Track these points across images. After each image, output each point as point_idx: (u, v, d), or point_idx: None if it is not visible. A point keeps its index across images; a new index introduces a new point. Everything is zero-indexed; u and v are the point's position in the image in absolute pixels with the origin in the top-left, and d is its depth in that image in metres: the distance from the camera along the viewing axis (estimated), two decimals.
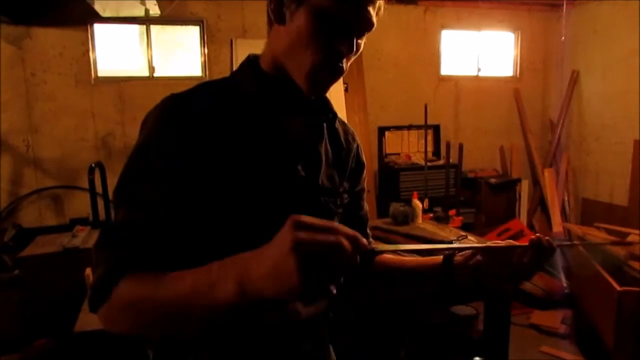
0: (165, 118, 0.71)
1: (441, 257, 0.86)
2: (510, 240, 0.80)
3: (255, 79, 0.78)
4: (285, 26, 0.73)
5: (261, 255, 0.54)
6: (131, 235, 0.66)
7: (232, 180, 0.72)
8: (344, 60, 0.74)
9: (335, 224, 0.53)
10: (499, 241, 0.79)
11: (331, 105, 0.87)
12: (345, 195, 0.89)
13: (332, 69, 0.73)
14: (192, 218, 0.69)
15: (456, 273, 0.83)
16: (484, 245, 0.78)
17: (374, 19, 0.73)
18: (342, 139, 0.90)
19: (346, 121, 0.97)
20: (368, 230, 1.00)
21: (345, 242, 0.52)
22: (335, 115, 0.88)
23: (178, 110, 0.71)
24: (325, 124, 0.86)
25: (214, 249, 0.68)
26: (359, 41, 0.74)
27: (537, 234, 0.76)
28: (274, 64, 0.77)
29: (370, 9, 0.72)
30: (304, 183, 0.80)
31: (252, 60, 0.81)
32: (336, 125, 0.89)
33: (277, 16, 0.74)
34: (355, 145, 0.94)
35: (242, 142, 0.74)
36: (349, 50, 0.73)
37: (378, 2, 0.73)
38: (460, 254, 0.85)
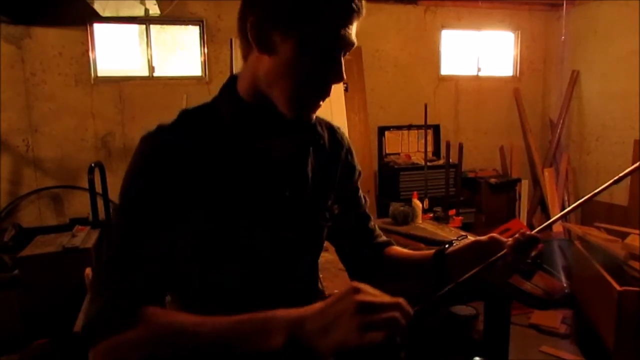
0: (145, 165, 0.71)
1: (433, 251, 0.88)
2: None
3: (232, 107, 0.77)
4: (271, 56, 0.71)
5: (319, 312, 0.58)
6: (131, 269, 0.67)
7: (220, 212, 0.73)
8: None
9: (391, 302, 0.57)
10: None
11: (315, 122, 0.84)
12: (336, 206, 0.89)
13: (321, 95, 0.74)
14: (182, 253, 0.72)
15: (448, 265, 0.84)
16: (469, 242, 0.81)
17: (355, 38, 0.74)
18: (328, 147, 0.88)
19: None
20: (371, 224, 0.99)
21: (398, 314, 0.56)
22: (320, 136, 0.87)
23: (158, 154, 0.71)
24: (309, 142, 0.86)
25: (207, 277, 0.75)
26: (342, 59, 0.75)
27: (516, 235, 0.76)
28: (253, 90, 0.76)
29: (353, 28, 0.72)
30: (290, 206, 0.80)
31: (229, 85, 0.79)
32: (321, 132, 0.87)
33: (261, 44, 0.70)
34: (343, 151, 0.92)
35: (227, 172, 0.74)
36: (338, 78, 0.73)
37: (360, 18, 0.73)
38: (453, 247, 0.86)
